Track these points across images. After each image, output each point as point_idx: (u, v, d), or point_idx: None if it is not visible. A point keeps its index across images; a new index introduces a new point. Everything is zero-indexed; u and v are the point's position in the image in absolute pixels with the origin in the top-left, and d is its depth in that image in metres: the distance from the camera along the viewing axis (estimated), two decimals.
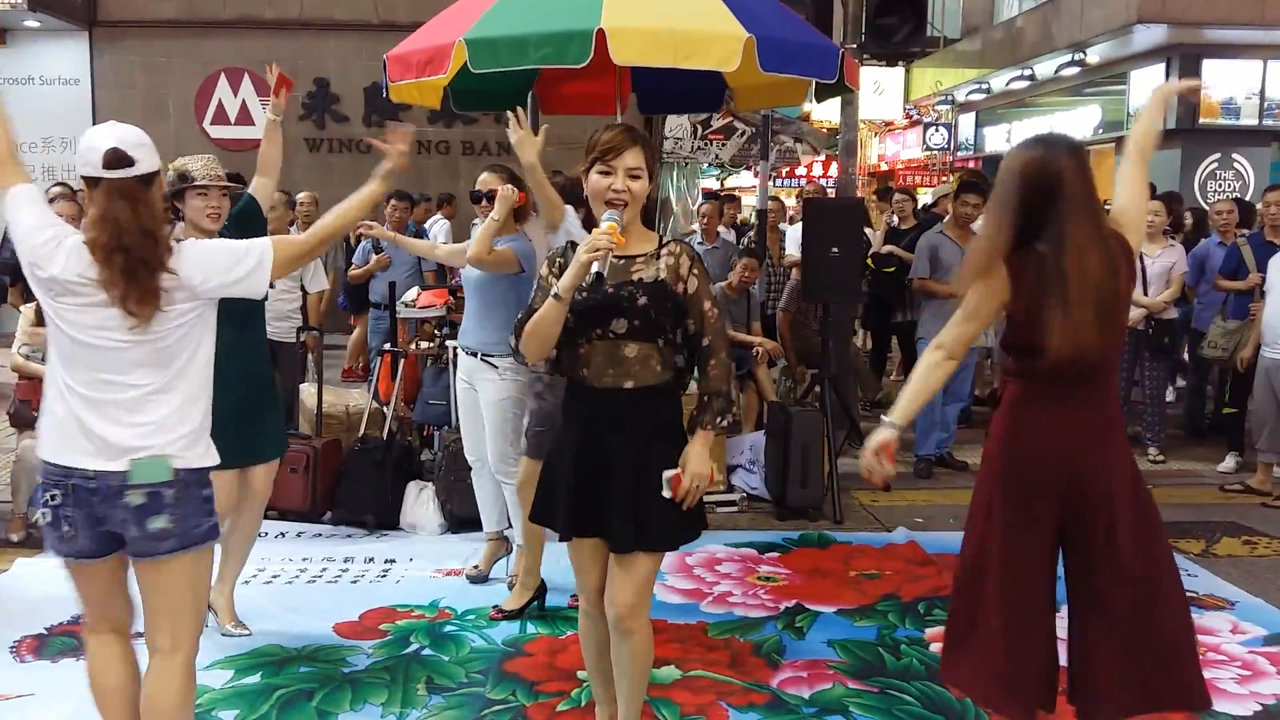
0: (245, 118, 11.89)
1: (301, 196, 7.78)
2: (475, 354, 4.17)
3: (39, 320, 5.11)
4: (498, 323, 4.03)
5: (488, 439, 4.20)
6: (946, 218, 6.85)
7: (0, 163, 2.56)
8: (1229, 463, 6.57)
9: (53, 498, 2.46)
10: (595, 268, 2.52)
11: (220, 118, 11.90)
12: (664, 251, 2.69)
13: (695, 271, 2.68)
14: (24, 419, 4.95)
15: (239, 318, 3.45)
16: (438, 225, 9.48)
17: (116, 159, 2.44)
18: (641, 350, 2.63)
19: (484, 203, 4.14)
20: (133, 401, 2.44)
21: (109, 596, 2.61)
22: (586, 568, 2.80)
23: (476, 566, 4.49)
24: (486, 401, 4.16)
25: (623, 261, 2.65)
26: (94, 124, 9.32)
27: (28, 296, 5.30)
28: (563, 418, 2.83)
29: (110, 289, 2.38)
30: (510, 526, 4.39)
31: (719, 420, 2.68)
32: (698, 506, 2.73)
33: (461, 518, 5.08)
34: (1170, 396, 7.64)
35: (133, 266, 2.38)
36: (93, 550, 2.49)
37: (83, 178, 2.51)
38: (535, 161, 3.57)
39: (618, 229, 2.55)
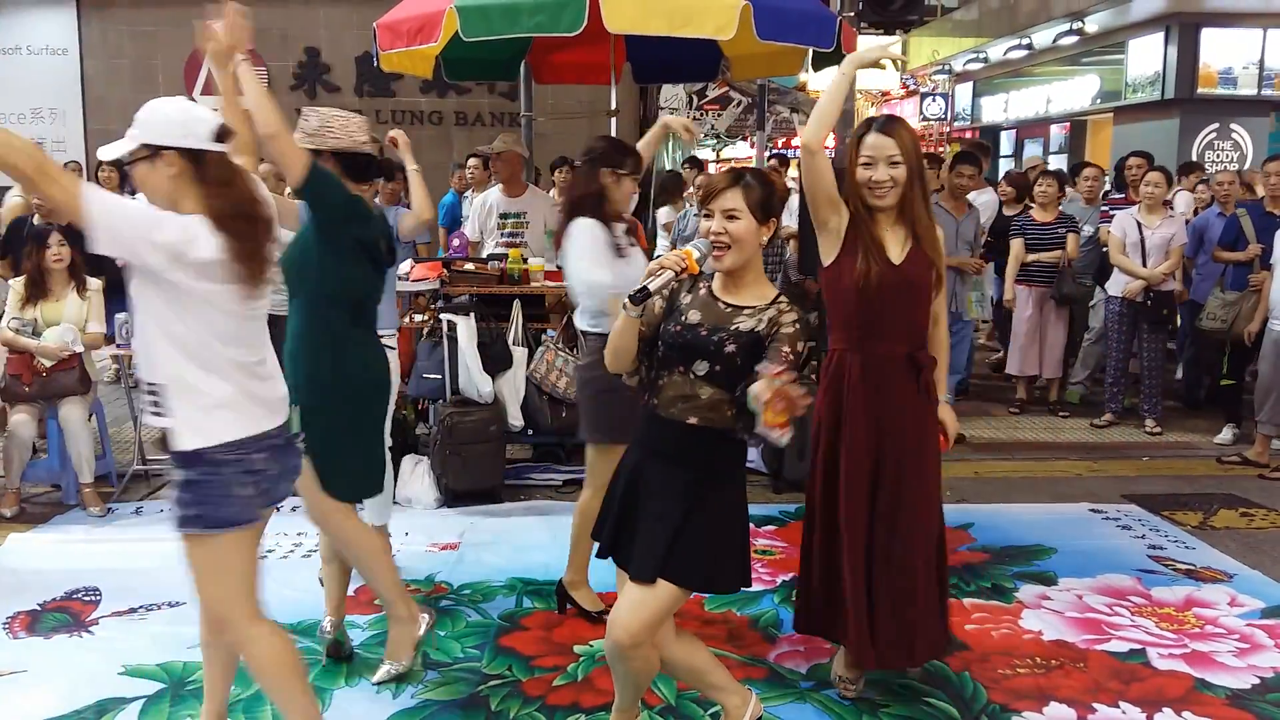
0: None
1: (263, 169, 7.54)
2: None
3: (28, 296, 5.06)
4: None
5: None
6: (942, 189, 6.82)
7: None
8: (1226, 435, 6.56)
9: (251, 472, 2.50)
10: (648, 282, 2.49)
11: (210, 88, 11.70)
12: (773, 307, 2.59)
13: (795, 323, 2.54)
14: (14, 394, 4.91)
15: None
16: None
17: (225, 132, 2.45)
18: (715, 395, 2.55)
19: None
20: (270, 361, 2.61)
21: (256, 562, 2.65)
22: (622, 591, 2.72)
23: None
24: None
25: (728, 309, 2.59)
26: (82, 94, 9.16)
27: (16, 270, 5.24)
28: (631, 440, 2.76)
29: (244, 261, 2.40)
30: None
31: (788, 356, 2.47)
32: (740, 563, 2.64)
33: (457, 491, 5.07)
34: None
35: (257, 235, 2.44)
36: (279, 496, 2.66)
37: (179, 149, 2.38)
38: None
39: (693, 255, 2.55)
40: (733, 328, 2.55)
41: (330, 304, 3.18)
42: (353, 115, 3.35)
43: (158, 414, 2.46)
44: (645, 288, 2.49)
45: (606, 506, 2.74)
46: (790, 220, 7.30)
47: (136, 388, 5.64)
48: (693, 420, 2.55)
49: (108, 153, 2.48)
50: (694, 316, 2.58)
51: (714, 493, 2.60)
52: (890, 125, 3.02)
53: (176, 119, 2.40)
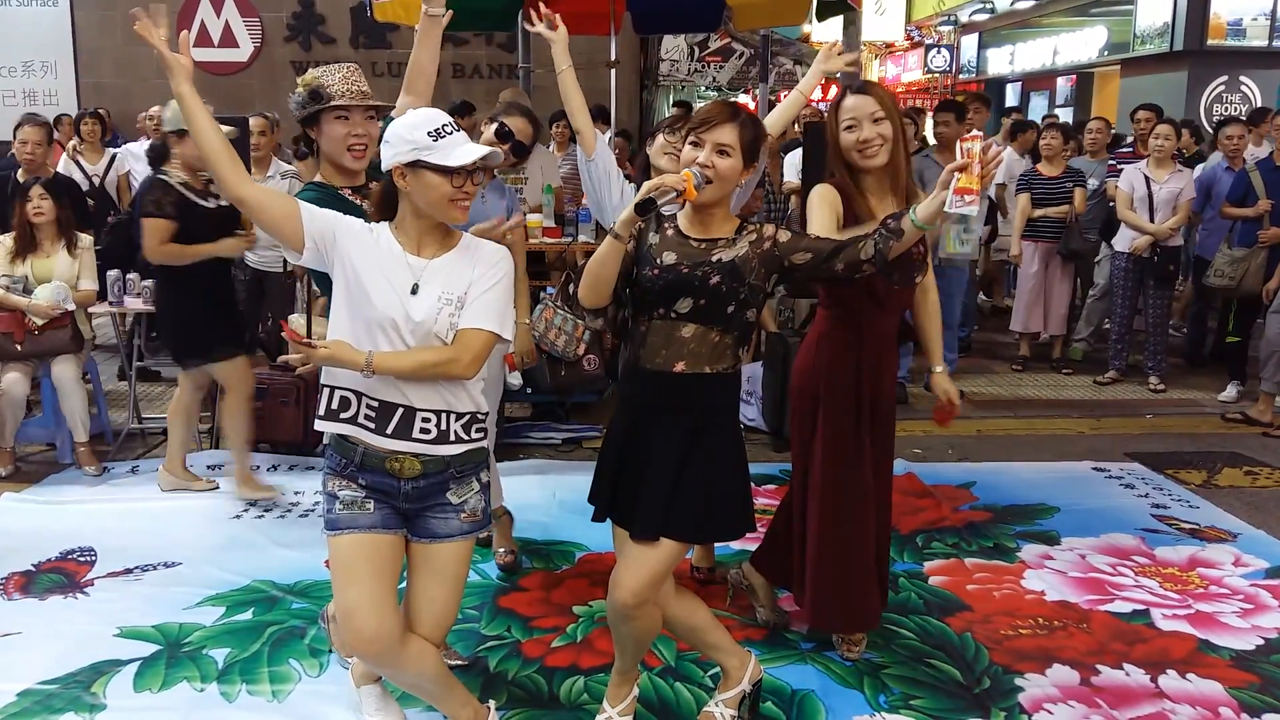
0: (229, 40, 11.56)
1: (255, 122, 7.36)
2: None
3: (16, 251, 4.98)
4: None
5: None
6: (923, 146, 6.75)
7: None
8: (1230, 392, 6.51)
9: None
10: (652, 194, 2.35)
11: (204, 40, 11.55)
12: (744, 232, 2.56)
13: (782, 229, 2.58)
14: (5, 352, 4.85)
15: None
16: None
17: None
18: (698, 332, 2.50)
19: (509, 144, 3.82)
20: None
21: None
22: (621, 551, 2.68)
23: (504, 551, 3.98)
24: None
25: (702, 245, 2.53)
26: (74, 46, 8.95)
27: (4, 226, 5.16)
28: (618, 400, 2.71)
29: None
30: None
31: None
32: (742, 509, 2.61)
33: None
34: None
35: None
36: None
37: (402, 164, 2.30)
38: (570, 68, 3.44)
39: (693, 180, 2.42)
40: (714, 259, 2.50)
41: None
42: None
43: (477, 438, 2.45)
44: (652, 199, 2.36)
45: (601, 469, 2.69)
46: (792, 175, 7.20)
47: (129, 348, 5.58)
48: (679, 367, 2.51)
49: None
50: (669, 257, 2.51)
51: (710, 440, 2.55)
52: (866, 86, 3.01)
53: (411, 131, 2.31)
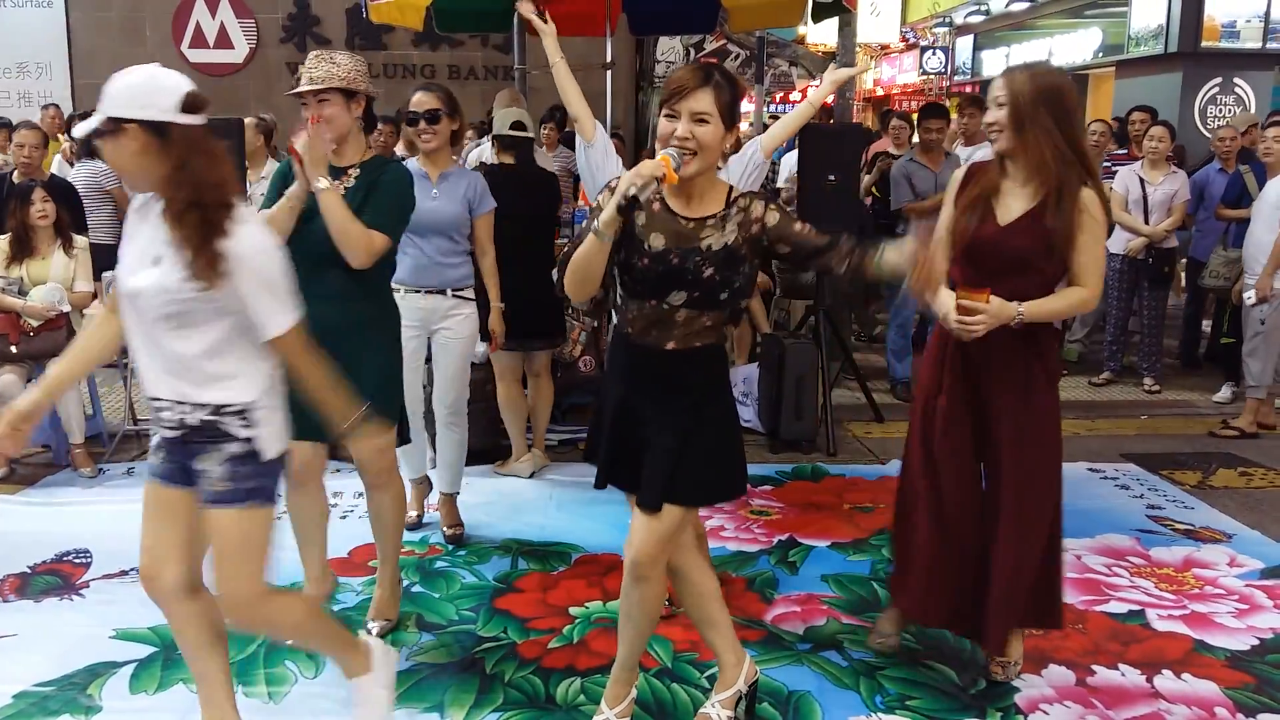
0: (224, 41, 11.57)
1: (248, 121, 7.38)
2: (444, 291, 3.94)
3: (13, 255, 4.97)
4: (464, 255, 3.95)
5: (447, 382, 4.07)
6: (915, 144, 6.77)
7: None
8: (1225, 393, 6.53)
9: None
10: (632, 191, 2.27)
11: (199, 40, 11.57)
12: (734, 209, 2.49)
13: (771, 208, 2.50)
14: (1, 354, 4.83)
15: None
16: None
17: (195, 102, 2.25)
18: (689, 315, 2.49)
19: (422, 124, 3.87)
20: None
21: None
22: (633, 511, 2.69)
23: (408, 514, 4.21)
24: (458, 337, 4.00)
25: (690, 225, 2.46)
26: (69, 47, 8.98)
27: (1, 228, 5.15)
28: (607, 365, 2.72)
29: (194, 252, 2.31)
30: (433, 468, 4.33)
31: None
32: (741, 468, 2.63)
33: None
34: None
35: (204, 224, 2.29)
36: None
37: (140, 122, 2.19)
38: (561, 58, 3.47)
39: (670, 164, 2.33)
40: (704, 246, 2.46)
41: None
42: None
43: (243, 432, 2.34)
44: (634, 197, 2.29)
45: (596, 437, 2.71)
46: (787, 177, 7.21)
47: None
48: (670, 345, 2.51)
49: (79, 130, 2.34)
50: (658, 241, 2.46)
51: (707, 409, 2.57)
52: (1001, 75, 2.92)
53: (139, 88, 2.21)
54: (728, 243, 2.47)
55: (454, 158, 4.02)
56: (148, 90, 2.20)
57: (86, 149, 7.28)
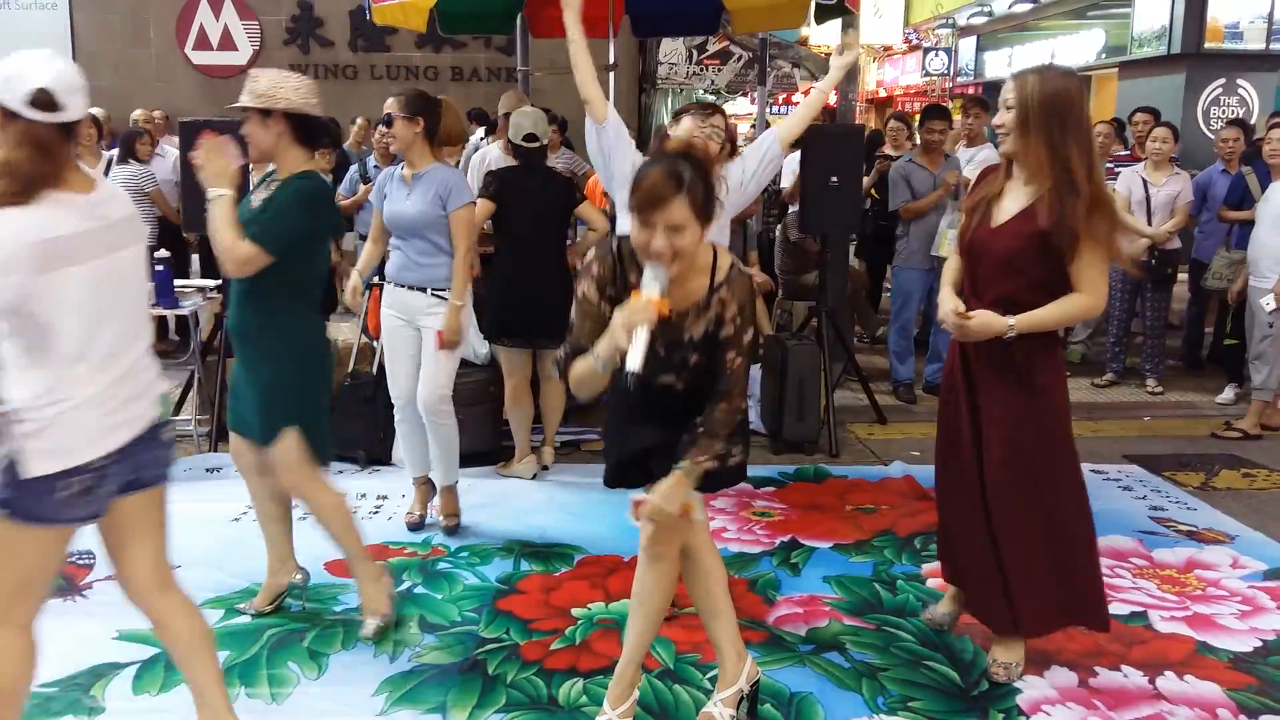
0: (228, 43, 11.56)
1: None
2: (424, 289, 4.03)
3: None
4: (446, 256, 4.00)
5: (429, 378, 4.08)
6: (915, 146, 6.76)
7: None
8: (1228, 394, 6.52)
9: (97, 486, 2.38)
10: (631, 366, 2.24)
11: (202, 43, 11.56)
12: (715, 299, 2.49)
13: (739, 321, 2.49)
14: None
15: None
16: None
17: (45, 100, 2.21)
18: (675, 377, 2.59)
19: (381, 128, 4.00)
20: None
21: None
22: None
23: (411, 513, 4.36)
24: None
25: (674, 318, 2.46)
26: (72, 49, 9.05)
27: None
28: (611, 392, 2.68)
29: None
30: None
31: (705, 462, 2.48)
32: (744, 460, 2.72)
33: None
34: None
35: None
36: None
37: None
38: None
39: (656, 301, 2.27)
40: (687, 339, 2.51)
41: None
42: (303, 78, 3.25)
43: (11, 440, 2.16)
44: (636, 374, 2.26)
45: (609, 453, 2.81)
46: (789, 178, 7.20)
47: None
48: (678, 386, 2.60)
49: None
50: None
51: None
52: (1011, 78, 2.92)
53: (2, 72, 2.17)
54: (708, 330, 2.51)
55: (451, 159, 4.06)
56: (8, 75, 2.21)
57: (123, 153, 7.32)
